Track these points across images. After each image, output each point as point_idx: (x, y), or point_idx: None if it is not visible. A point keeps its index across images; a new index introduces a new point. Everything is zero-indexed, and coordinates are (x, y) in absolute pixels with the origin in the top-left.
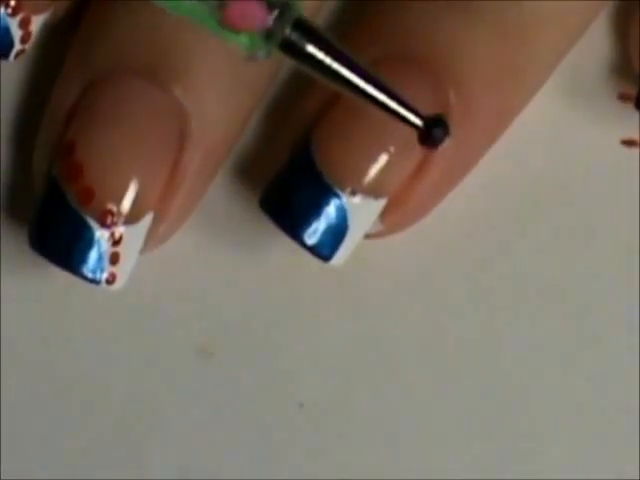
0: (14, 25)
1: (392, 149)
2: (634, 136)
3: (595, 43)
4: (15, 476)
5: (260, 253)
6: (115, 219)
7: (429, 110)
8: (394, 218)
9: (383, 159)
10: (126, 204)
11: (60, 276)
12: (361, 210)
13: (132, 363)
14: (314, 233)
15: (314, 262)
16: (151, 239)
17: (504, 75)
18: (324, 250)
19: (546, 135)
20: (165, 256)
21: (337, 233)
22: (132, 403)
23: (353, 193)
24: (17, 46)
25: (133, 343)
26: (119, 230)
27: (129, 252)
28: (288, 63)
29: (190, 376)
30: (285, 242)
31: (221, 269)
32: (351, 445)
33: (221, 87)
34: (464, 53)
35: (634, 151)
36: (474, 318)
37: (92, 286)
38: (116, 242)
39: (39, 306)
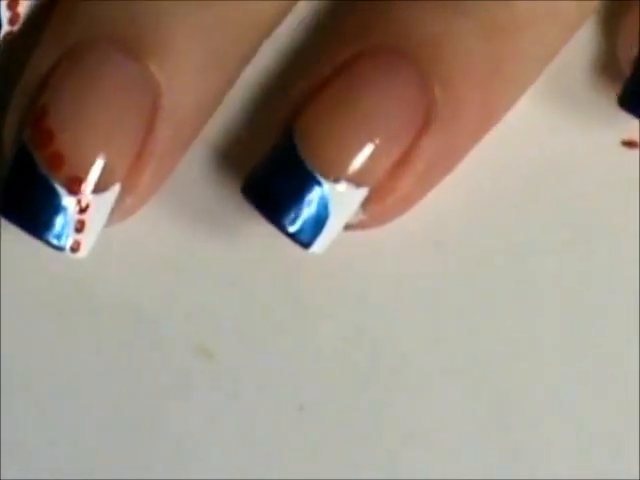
0: (2, 6)
1: (376, 138)
2: (634, 137)
3: (595, 42)
4: (15, 476)
5: (261, 255)
6: (83, 187)
7: (416, 104)
8: (376, 209)
9: (366, 148)
10: (95, 172)
11: (60, 277)
12: (342, 198)
13: (132, 364)
14: (295, 220)
15: (315, 264)
16: (118, 211)
17: (492, 73)
18: (304, 237)
19: (546, 136)
20: (165, 257)
21: (318, 221)
22: (132, 403)
23: (335, 181)
24: (5, 27)
25: (133, 344)
26: (86, 198)
27: (95, 221)
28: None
29: (190, 377)
30: (287, 244)
31: (222, 270)
32: (351, 447)
33: (196, 65)
34: (452, 50)
35: (634, 152)
36: (474, 318)
37: (92, 287)
38: (82, 210)
39: (38, 306)
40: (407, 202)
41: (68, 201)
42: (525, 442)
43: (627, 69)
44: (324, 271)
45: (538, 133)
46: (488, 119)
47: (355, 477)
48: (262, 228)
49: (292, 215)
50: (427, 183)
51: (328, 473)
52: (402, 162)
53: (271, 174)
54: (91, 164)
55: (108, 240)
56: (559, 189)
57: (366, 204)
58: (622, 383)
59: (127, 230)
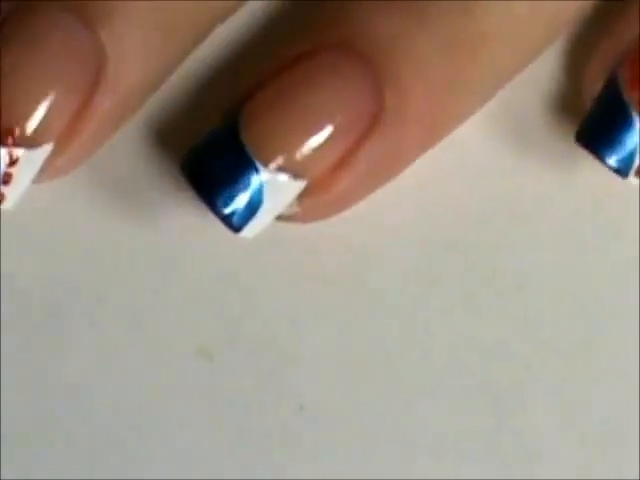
0: None
1: (320, 134)
2: None
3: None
4: (15, 476)
5: (261, 255)
6: (13, 139)
7: (365, 104)
8: (311, 204)
9: (308, 141)
10: (29, 127)
11: (59, 275)
12: (278, 188)
13: (132, 364)
14: (228, 203)
15: (316, 263)
16: (47, 170)
17: (446, 84)
18: (236, 221)
19: (546, 136)
20: (164, 256)
21: (250, 206)
22: (132, 403)
23: (272, 169)
24: None
25: (133, 344)
26: (16, 152)
27: (22, 176)
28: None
29: (190, 378)
30: (287, 244)
31: (222, 269)
32: (351, 447)
33: (145, 40)
34: (408, 55)
35: None
36: (473, 318)
37: (92, 288)
38: (11, 163)
39: (36, 306)
40: (343, 202)
41: None
42: (525, 442)
43: (588, 103)
44: (323, 271)
45: (539, 134)
46: (436, 129)
47: (355, 477)
48: (267, 232)
49: (226, 197)
50: (366, 186)
51: (328, 473)
52: (344, 161)
53: (211, 154)
54: (26, 118)
55: (105, 239)
56: (559, 189)
57: (302, 197)
58: (622, 383)
59: (122, 228)
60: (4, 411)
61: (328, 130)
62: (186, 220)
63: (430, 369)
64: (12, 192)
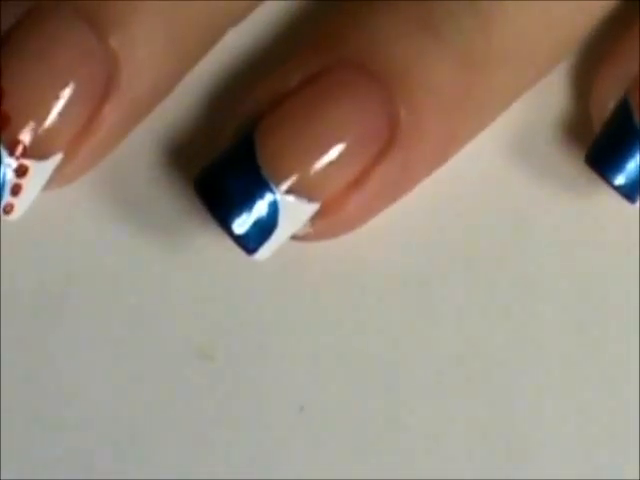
0: None
1: (335, 155)
2: None
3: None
4: (15, 476)
5: None
6: (23, 151)
7: (379, 125)
8: (324, 224)
9: (324, 164)
10: (39, 139)
11: (59, 276)
12: (293, 210)
13: (132, 364)
14: (243, 224)
15: (315, 264)
16: (56, 178)
17: (458, 104)
18: (250, 243)
19: (548, 136)
20: (165, 256)
21: (265, 228)
22: (132, 404)
23: (288, 192)
24: None
25: (133, 344)
26: (26, 163)
27: (32, 186)
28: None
29: (190, 379)
30: (287, 245)
31: (221, 270)
32: (351, 447)
33: (155, 49)
34: (423, 75)
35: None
36: (474, 319)
37: (92, 287)
38: (21, 174)
39: (37, 307)
40: (354, 222)
41: (8, 163)
42: (525, 442)
43: (597, 125)
44: (324, 271)
45: (540, 136)
46: (446, 149)
47: (355, 477)
48: None
49: (242, 218)
50: (378, 205)
51: (328, 473)
52: (357, 181)
53: (227, 174)
54: (36, 130)
55: (106, 240)
56: (558, 189)
57: (315, 219)
58: (622, 383)
59: (123, 230)
60: (4, 411)
61: (342, 151)
62: (187, 222)
63: (430, 369)
64: (20, 203)
